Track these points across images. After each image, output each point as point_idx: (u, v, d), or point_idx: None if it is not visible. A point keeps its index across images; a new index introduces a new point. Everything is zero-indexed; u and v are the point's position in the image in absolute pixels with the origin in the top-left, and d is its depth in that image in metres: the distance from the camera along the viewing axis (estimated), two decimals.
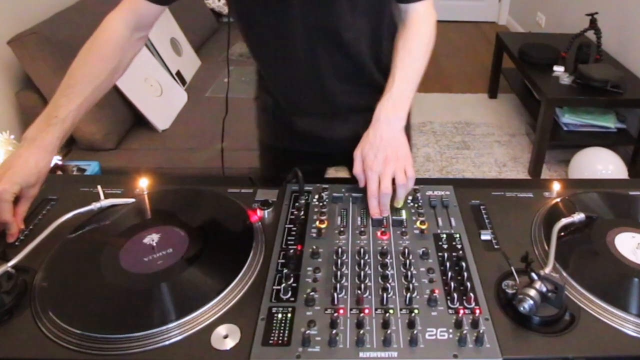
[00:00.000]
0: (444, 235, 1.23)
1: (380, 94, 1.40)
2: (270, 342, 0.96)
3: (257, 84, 1.74)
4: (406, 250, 1.16)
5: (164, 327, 0.98)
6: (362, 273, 1.10)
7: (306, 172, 1.71)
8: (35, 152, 1.26)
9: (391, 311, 1.02)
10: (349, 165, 1.55)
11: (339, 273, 1.10)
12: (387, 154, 1.30)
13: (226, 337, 0.97)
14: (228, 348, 0.95)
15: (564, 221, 1.20)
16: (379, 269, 1.12)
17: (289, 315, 1.01)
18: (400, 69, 1.42)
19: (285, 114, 1.67)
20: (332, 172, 1.96)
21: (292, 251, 1.17)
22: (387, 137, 1.33)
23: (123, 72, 1.45)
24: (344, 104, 1.61)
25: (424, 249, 1.17)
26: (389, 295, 1.05)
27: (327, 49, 1.46)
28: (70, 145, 2.89)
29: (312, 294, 1.04)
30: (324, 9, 1.39)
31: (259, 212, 1.29)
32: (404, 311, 1.02)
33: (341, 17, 1.41)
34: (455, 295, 1.05)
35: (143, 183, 1.36)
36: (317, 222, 1.26)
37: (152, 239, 1.18)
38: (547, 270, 1.03)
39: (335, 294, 1.05)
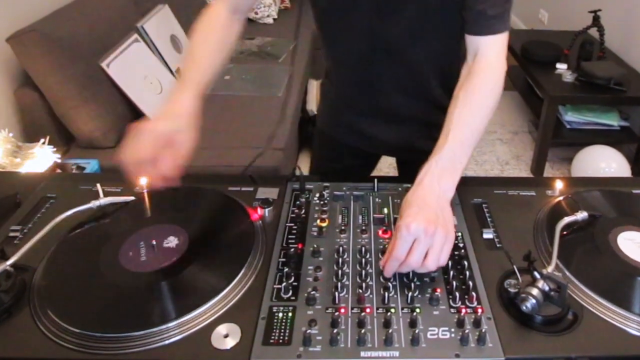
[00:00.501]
0: None
1: (440, 111, 1.29)
2: (271, 341, 0.96)
3: (325, 70, 1.75)
4: None
5: (164, 327, 0.97)
6: (363, 272, 1.10)
7: (353, 167, 1.72)
8: (176, 105, 1.27)
9: (393, 310, 1.02)
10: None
11: (340, 272, 1.10)
12: (431, 217, 1.07)
13: (226, 337, 0.97)
14: (228, 347, 0.95)
15: (567, 220, 1.20)
16: (381, 268, 1.12)
17: (290, 314, 1.01)
18: (455, 126, 1.21)
19: (340, 105, 1.69)
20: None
21: (292, 250, 1.16)
22: (431, 202, 1.11)
23: (231, 50, 1.47)
24: (397, 113, 1.60)
25: None
26: (391, 294, 1.05)
27: (388, 62, 1.46)
28: (69, 143, 2.88)
29: (313, 293, 1.04)
30: (388, 21, 1.37)
31: (259, 211, 1.29)
32: (405, 310, 1.02)
33: (407, 33, 1.39)
34: (457, 294, 1.05)
35: (143, 181, 1.36)
36: (318, 221, 1.25)
37: (151, 237, 1.18)
38: (550, 269, 1.03)
39: (337, 293, 1.04)
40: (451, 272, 1.10)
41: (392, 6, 1.35)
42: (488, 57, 1.31)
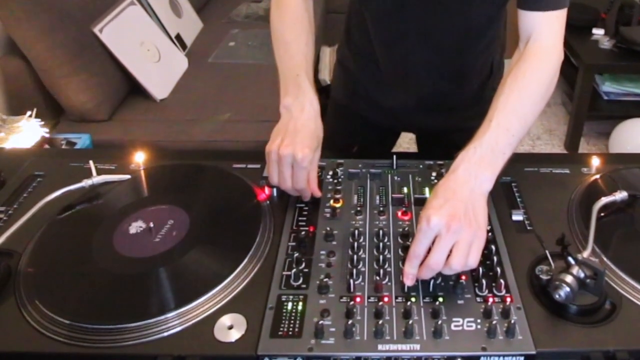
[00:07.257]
0: None
1: (471, 97, 1.30)
2: (280, 333, 0.96)
3: (343, 35, 1.74)
4: None
5: (163, 317, 0.97)
6: (380, 257, 1.09)
7: (370, 143, 1.74)
8: (308, 115, 1.27)
9: (413, 299, 1.02)
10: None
11: (355, 257, 1.09)
12: (457, 211, 1.03)
13: (231, 328, 0.97)
14: (233, 340, 0.95)
15: (605, 200, 1.19)
16: (400, 252, 1.11)
17: (300, 304, 1.01)
18: (500, 112, 1.17)
19: (360, 76, 1.69)
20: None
21: (303, 233, 1.16)
22: (462, 194, 1.07)
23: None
24: (426, 95, 1.59)
25: None
26: None
27: (425, 43, 1.46)
28: (59, 116, 2.88)
29: (325, 280, 1.04)
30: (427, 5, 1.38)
31: (267, 190, 1.28)
32: (427, 299, 1.02)
33: (447, 14, 1.39)
34: (484, 281, 1.04)
35: (139, 158, 1.36)
36: (332, 201, 1.25)
37: (149, 219, 1.18)
38: (586, 254, 1.03)
39: (352, 281, 1.04)
40: None
41: None
42: (542, 41, 1.28)
